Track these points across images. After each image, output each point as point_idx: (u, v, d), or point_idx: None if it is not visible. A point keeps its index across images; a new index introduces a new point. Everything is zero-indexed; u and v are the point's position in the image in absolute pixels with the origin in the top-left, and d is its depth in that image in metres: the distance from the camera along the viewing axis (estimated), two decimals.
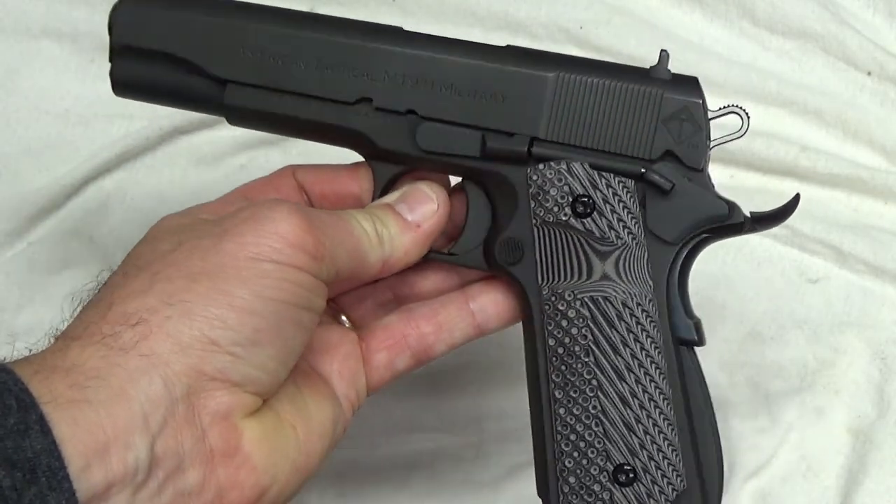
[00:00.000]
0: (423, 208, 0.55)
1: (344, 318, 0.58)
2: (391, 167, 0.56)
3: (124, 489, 0.43)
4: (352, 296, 0.58)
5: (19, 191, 0.76)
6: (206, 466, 0.46)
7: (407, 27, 0.79)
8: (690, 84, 0.54)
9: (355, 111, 0.55)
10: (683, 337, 0.54)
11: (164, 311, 0.46)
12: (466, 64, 0.54)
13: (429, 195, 0.55)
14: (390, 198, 0.55)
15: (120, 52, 0.56)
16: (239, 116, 0.57)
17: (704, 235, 0.54)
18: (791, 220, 0.73)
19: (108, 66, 0.79)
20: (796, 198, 0.55)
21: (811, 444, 0.69)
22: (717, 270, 0.72)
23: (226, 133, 0.78)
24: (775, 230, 0.73)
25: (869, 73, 0.76)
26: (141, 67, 0.56)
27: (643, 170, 0.53)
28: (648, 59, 0.76)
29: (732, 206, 0.53)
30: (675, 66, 0.76)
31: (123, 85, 0.57)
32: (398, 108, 0.54)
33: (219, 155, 0.78)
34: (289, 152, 0.78)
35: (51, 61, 0.78)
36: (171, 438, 0.45)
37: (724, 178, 0.74)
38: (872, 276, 0.72)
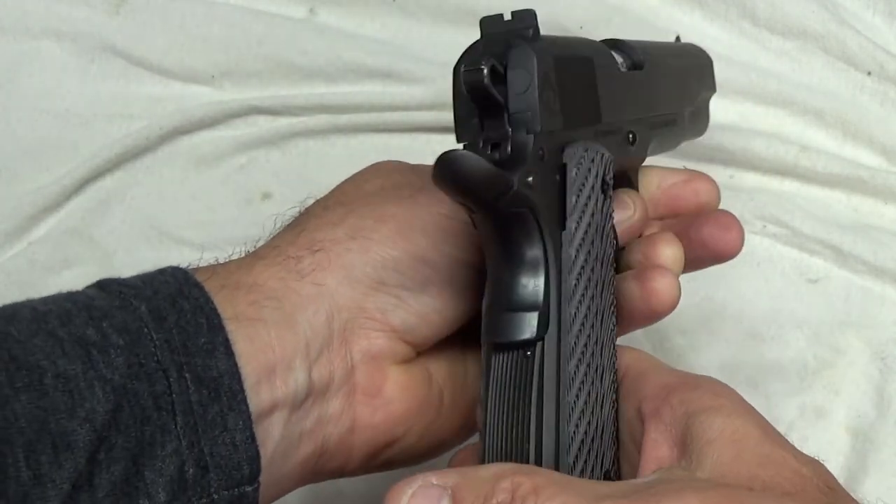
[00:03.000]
0: (621, 213, 0.51)
1: None
2: None
3: (284, 409, 0.45)
4: None
5: (19, 191, 0.76)
6: (348, 399, 0.48)
7: (407, 27, 0.79)
8: None
9: None
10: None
11: (345, 243, 0.48)
12: None
13: (626, 202, 0.52)
14: None
15: None
16: None
17: None
18: (791, 220, 0.74)
19: (107, 66, 0.79)
20: None
21: (811, 445, 0.68)
22: (717, 271, 0.72)
23: (226, 133, 0.78)
24: (775, 230, 0.74)
25: (869, 73, 0.76)
26: None
27: None
28: None
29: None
30: None
31: None
32: None
33: (219, 155, 0.78)
34: (289, 153, 0.78)
35: (51, 61, 0.79)
36: (325, 368, 0.47)
37: (724, 178, 0.74)
38: (872, 276, 0.72)
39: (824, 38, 0.76)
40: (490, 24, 0.45)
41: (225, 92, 0.78)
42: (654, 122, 0.55)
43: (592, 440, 0.45)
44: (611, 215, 0.48)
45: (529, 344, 0.43)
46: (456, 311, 0.49)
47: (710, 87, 0.63)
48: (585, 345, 0.45)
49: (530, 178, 0.43)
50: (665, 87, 0.57)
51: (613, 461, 0.46)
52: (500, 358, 0.44)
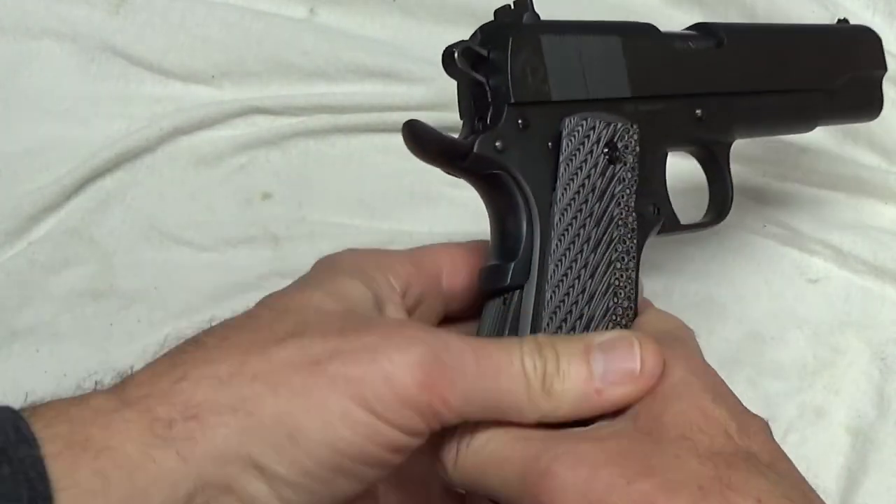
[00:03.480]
0: (620, 368, 0.44)
1: None
2: None
3: None
4: None
5: (19, 191, 0.76)
6: None
7: (407, 27, 0.79)
8: None
9: None
10: None
11: (224, 415, 0.40)
12: None
13: (635, 356, 0.45)
14: (595, 337, 0.46)
15: None
16: None
17: None
18: (791, 220, 0.74)
19: (107, 66, 0.79)
20: None
21: (811, 445, 0.69)
22: (717, 270, 0.72)
23: (226, 133, 0.78)
24: (775, 230, 0.74)
25: None
26: None
27: None
28: None
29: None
30: None
31: None
32: None
33: (219, 155, 0.78)
34: (289, 153, 0.78)
35: (51, 61, 0.79)
36: None
37: None
38: (872, 276, 0.72)
39: None
40: (499, 13, 0.52)
41: (225, 92, 0.78)
42: (738, 99, 0.58)
43: None
44: (621, 180, 0.52)
45: (507, 290, 0.49)
46: (332, 501, 0.42)
47: (865, 65, 0.64)
48: (567, 294, 0.49)
49: (498, 143, 0.49)
50: (757, 63, 0.59)
51: None
52: (489, 304, 0.50)
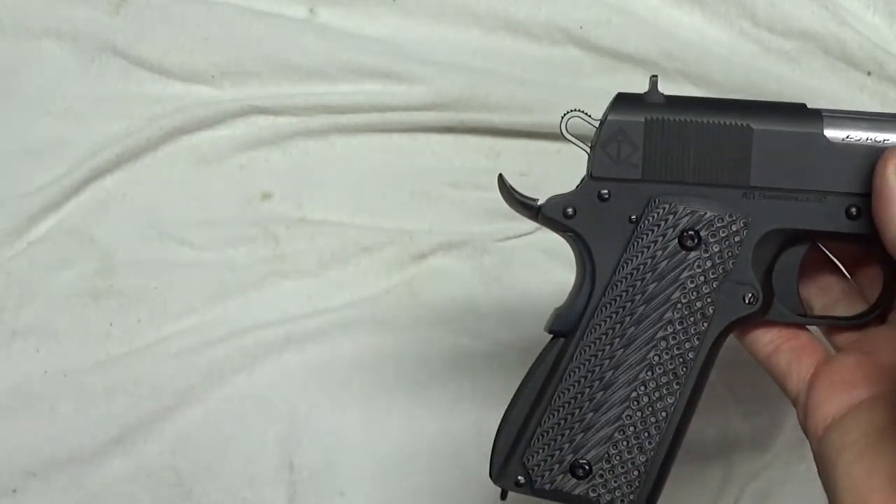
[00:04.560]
0: None
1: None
2: None
3: None
4: None
5: (19, 191, 0.76)
6: None
7: (407, 27, 0.79)
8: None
9: None
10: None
11: None
12: None
13: None
14: None
15: None
16: None
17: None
18: None
19: (107, 66, 0.79)
20: None
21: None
22: None
23: (226, 133, 0.78)
24: None
25: (869, 73, 0.76)
26: None
27: None
28: (648, 60, 0.77)
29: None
30: (674, 66, 0.76)
31: None
32: None
33: (219, 155, 0.78)
34: (289, 153, 0.78)
35: (51, 61, 0.79)
36: None
37: None
38: None
39: (824, 38, 0.76)
40: (651, 80, 0.54)
41: (225, 92, 0.78)
42: None
43: (564, 422, 0.54)
44: (693, 267, 0.53)
45: (554, 335, 0.55)
46: None
47: None
48: (595, 356, 0.54)
49: (569, 209, 0.54)
50: None
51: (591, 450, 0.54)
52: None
